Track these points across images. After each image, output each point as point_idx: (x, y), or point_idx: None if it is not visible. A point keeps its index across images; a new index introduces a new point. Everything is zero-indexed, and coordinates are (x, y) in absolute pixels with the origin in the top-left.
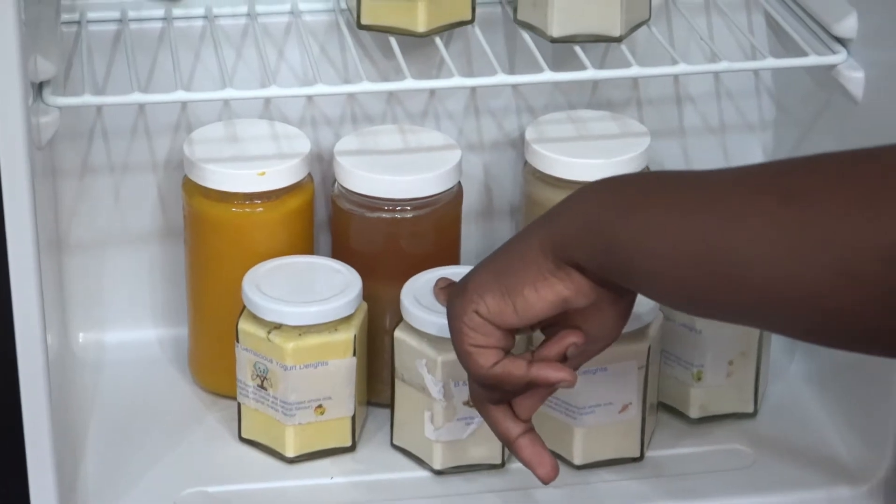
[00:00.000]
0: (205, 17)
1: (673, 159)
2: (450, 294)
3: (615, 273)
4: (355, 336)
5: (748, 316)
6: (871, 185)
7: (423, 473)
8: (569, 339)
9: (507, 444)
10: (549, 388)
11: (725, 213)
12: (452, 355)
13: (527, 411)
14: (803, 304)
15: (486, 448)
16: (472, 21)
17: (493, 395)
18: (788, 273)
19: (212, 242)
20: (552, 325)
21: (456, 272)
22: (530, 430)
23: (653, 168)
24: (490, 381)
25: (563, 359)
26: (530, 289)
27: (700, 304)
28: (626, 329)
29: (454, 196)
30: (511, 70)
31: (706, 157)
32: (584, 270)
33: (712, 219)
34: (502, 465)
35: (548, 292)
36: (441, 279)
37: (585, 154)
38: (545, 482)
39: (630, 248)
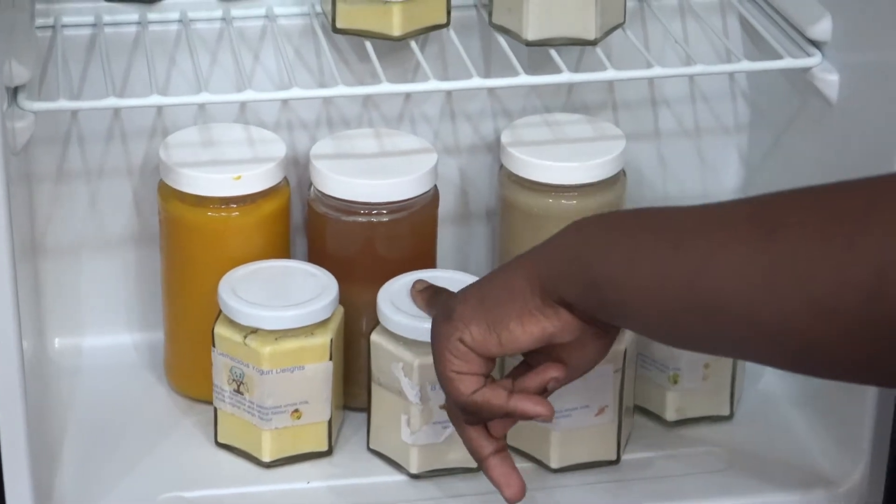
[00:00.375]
0: (180, 21)
1: (649, 162)
2: (435, 317)
3: (600, 308)
4: (332, 340)
5: (731, 348)
6: (850, 220)
7: (400, 477)
8: (550, 374)
9: (478, 461)
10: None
11: (706, 247)
12: (429, 359)
13: (500, 430)
14: (785, 337)
15: (463, 452)
16: (447, 25)
17: (469, 418)
18: (769, 307)
19: (188, 247)
20: (534, 352)
21: (432, 276)
22: (502, 448)
23: (629, 172)
24: (470, 407)
25: (543, 390)
26: (516, 323)
27: (684, 338)
28: None
29: (430, 200)
30: (487, 73)
31: (682, 159)
32: (571, 307)
33: (694, 254)
34: (478, 468)
35: (533, 328)
36: (418, 282)
37: (561, 157)
38: (510, 503)
39: (614, 285)
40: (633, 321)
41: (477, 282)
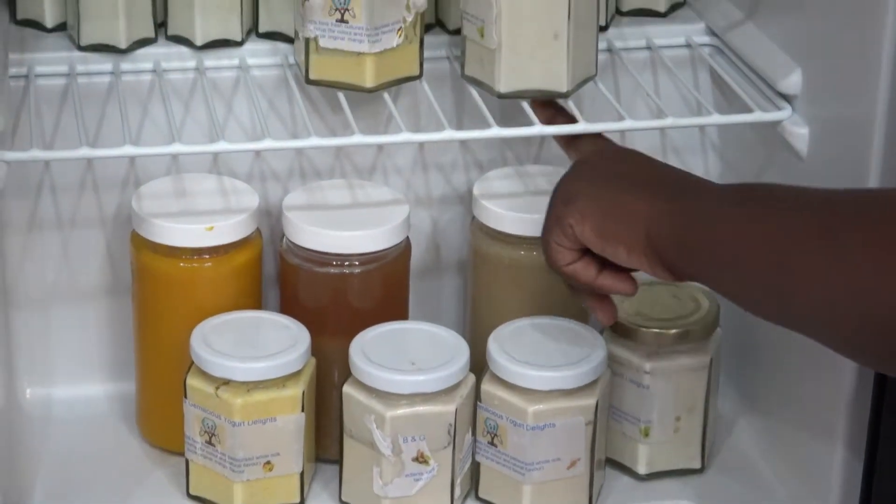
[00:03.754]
0: (153, 71)
1: None
2: (559, 188)
3: (694, 278)
4: (304, 392)
5: (801, 332)
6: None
7: None
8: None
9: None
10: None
11: (786, 254)
12: (401, 410)
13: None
14: (837, 342)
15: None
16: (419, 76)
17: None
18: (825, 316)
19: (160, 297)
20: None
21: (404, 327)
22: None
23: None
24: (561, 275)
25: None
26: (624, 248)
27: (764, 317)
28: (574, 385)
29: (402, 251)
30: (459, 125)
31: None
32: (672, 269)
33: (775, 258)
34: None
35: (635, 261)
36: (535, 101)
37: (533, 209)
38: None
39: (712, 270)
40: (721, 293)
41: (610, 178)
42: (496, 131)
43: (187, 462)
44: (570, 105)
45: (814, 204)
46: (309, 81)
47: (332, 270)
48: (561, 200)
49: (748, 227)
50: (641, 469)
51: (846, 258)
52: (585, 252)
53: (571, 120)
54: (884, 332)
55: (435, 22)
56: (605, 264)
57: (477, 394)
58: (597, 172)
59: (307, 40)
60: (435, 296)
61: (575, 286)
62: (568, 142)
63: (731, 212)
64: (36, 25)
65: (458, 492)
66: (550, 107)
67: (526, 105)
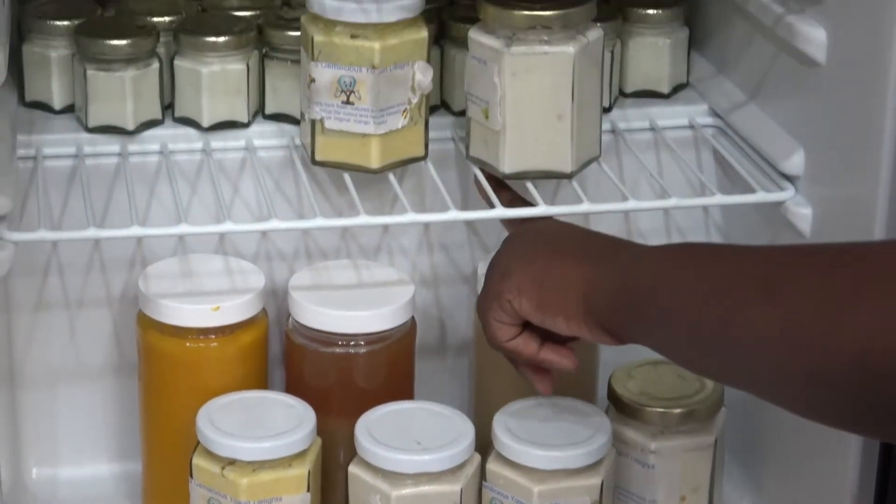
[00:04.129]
0: (160, 152)
1: None
2: (492, 266)
3: (636, 339)
4: (309, 472)
5: (742, 387)
6: (847, 289)
7: None
8: (566, 363)
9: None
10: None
11: (727, 308)
12: (406, 490)
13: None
14: (786, 396)
15: None
16: (425, 157)
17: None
18: (772, 370)
19: (166, 377)
20: None
21: (409, 407)
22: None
23: None
24: (503, 352)
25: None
26: (563, 319)
27: (710, 377)
28: (579, 464)
29: (408, 331)
30: (464, 206)
31: None
32: (613, 333)
33: (717, 312)
34: None
35: (575, 330)
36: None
37: None
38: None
39: (651, 329)
40: (663, 354)
41: (544, 250)
42: (500, 212)
43: None
44: (575, 185)
45: (754, 259)
46: (315, 162)
47: (337, 350)
48: (497, 277)
49: (687, 284)
50: None
51: (789, 310)
52: (526, 326)
53: (525, 202)
54: (833, 382)
55: (440, 103)
56: (546, 337)
57: (482, 473)
58: (530, 245)
59: (313, 122)
60: (440, 375)
61: (517, 361)
62: (497, 188)
63: (669, 270)
64: (44, 107)
65: None
66: (506, 189)
67: (530, 185)
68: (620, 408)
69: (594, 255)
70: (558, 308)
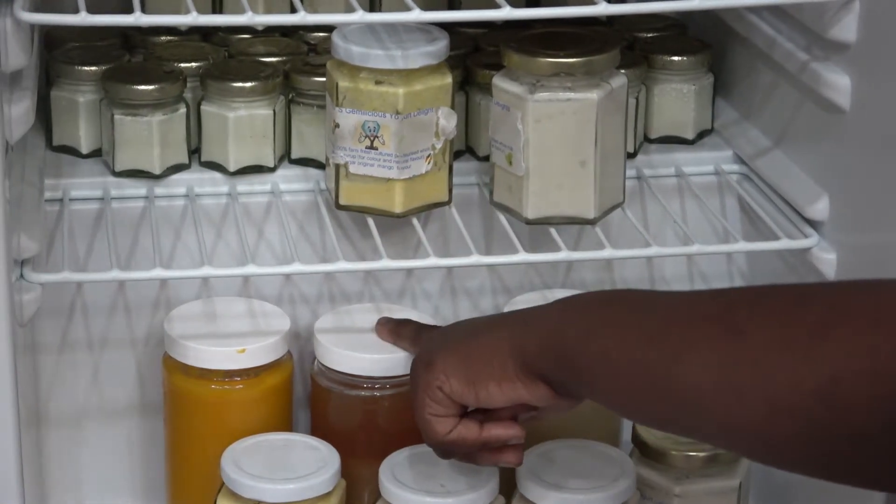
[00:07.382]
0: (186, 196)
1: None
2: (415, 360)
3: (574, 387)
4: None
5: (693, 435)
6: (807, 332)
7: None
8: (512, 433)
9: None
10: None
11: (676, 344)
12: None
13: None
14: (746, 433)
15: None
16: (448, 202)
17: (444, 456)
18: (732, 406)
19: (191, 418)
20: None
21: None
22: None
23: None
24: (446, 446)
25: (513, 418)
26: (495, 385)
27: (655, 424)
28: None
29: None
30: (487, 251)
31: None
32: (548, 381)
33: (665, 349)
34: None
35: (511, 392)
36: (382, 319)
37: None
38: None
39: (590, 372)
40: (603, 401)
41: (461, 333)
42: (523, 256)
43: None
44: (598, 231)
45: (700, 298)
46: (339, 207)
47: (362, 393)
48: (421, 371)
49: (625, 322)
50: None
51: (751, 343)
52: (462, 413)
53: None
54: (796, 410)
55: (465, 149)
56: (485, 418)
57: None
58: (447, 336)
59: (337, 166)
60: None
61: (467, 453)
62: (396, 338)
63: (602, 310)
64: (72, 151)
65: None
66: (407, 324)
67: (553, 231)
68: (645, 451)
69: (517, 319)
70: (489, 375)
